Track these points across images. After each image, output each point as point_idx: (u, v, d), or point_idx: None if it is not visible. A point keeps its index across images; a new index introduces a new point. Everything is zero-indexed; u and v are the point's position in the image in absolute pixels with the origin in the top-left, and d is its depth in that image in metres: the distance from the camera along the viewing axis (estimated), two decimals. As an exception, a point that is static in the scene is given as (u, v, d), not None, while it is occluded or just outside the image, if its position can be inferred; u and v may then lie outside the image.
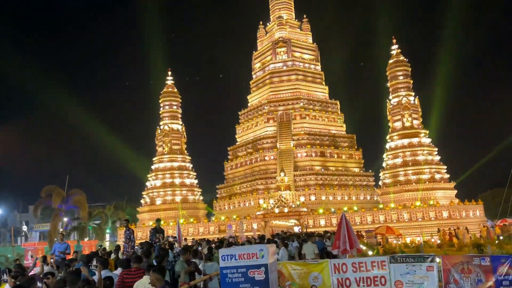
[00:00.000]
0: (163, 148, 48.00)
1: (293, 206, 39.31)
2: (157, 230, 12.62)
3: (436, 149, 41.95)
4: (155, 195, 45.71)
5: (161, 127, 48.81)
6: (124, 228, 12.60)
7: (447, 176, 40.82)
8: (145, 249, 8.74)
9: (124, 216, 47.45)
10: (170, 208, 44.72)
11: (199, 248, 10.57)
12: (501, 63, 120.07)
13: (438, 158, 41.58)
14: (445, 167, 41.27)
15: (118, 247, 12.39)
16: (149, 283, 5.20)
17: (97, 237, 46.04)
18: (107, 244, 45.36)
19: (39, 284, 7.15)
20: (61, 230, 37.55)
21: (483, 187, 77.00)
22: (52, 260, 11.09)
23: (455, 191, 40.48)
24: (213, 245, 12.12)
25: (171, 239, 13.03)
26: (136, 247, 11.76)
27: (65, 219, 46.10)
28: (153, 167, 47.84)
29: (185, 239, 21.11)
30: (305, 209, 39.21)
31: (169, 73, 50.78)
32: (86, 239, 43.49)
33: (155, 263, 6.97)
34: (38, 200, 42.82)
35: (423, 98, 44.49)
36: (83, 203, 41.93)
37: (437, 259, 9.91)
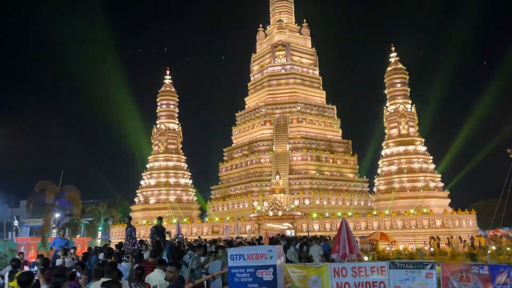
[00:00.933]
0: (159, 147, 47.90)
1: (287, 209, 39.31)
2: (158, 229, 12.50)
3: (431, 157, 42.19)
4: (149, 194, 45.55)
5: (158, 126, 48.72)
6: (126, 225, 12.52)
7: (441, 184, 41.07)
8: (156, 246, 8.72)
9: (117, 214, 47.28)
10: (163, 207, 44.57)
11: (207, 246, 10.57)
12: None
13: (433, 166, 41.83)
14: (440, 175, 41.53)
15: (121, 244, 12.30)
16: (163, 277, 5.20)
17: (89, 234, 45.77)
18: (98, 242, 45.13)
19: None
20: (59, 225, 37.27)
21: (476, 197, 77.68)
22: (72, 252, 11.03)
23: (449, 200, 40.73)
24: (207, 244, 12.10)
25: (180, 237, 12.96)
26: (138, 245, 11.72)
27: (57, 214, 45.79)
28: (148, 165, 47.71)
29: (186, 238, 21.02)
30: (299, 213, 39.24)
31: (167, 72, 50.80)
32: (78, 236, 43.18)
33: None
34: (31, 194, 42.51)
35: (420, 106, 44.75)
36: (77, 200, 41.69)
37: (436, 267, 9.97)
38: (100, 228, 49.55)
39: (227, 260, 6.27)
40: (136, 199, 46.78)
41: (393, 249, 30.98)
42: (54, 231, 39.53)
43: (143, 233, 39.88)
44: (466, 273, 9.86)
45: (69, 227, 44.92)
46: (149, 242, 13.49)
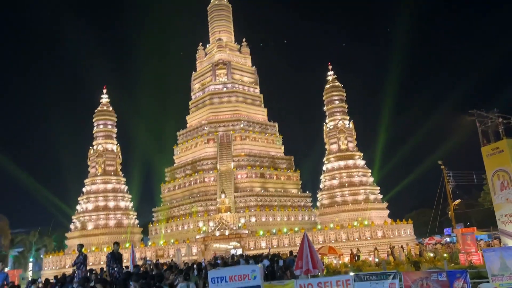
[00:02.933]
0: (96, 169, 45.49)
1: (234, 228, 38.87)
2: (115, 255, 11.53)
3: (370, 171, 44.00)
4: (87, 219, 42.88)
5: (94, 147, 46.37)
6: (78, 253, 11.47)
7: (380, 196, 42.85)
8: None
9: (50, 243, 43.92)
10: (103, 233, 42.13)
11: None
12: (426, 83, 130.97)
13: (372, 179, 43.59)
14: (378, 188, 43.37)
15: (64, 276, 11.21)
16: None
17: (19, 267, 41.91)
18: (29, 274, 41.53)
19: None
20: None
21: (409, 207, 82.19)
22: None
23: (388, 211, 42.54)
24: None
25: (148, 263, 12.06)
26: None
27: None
28: (84, 189, 45.02)
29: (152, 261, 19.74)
30: (246, 231, 38.94)
31: (104, 90, 48.75)
32: (6, 269, 39.35)
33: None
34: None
35: (357, 122, 46.67)
36: (5, 230, 38.17)
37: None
38: (31, 259, 45.63)
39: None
40: (72, 226, 43.78)
41: (340, 262, 31.56)
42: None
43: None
44: (426, 280, 10.16)
45: (-4, 260, 40.93)
46: (105, 270, 12.45)
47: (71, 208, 45.82)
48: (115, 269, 10.81)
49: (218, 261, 15.28)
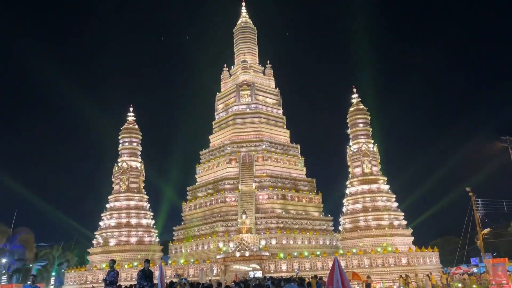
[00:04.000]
0: (120, 186, 46.13)
1: (255, 249, 38.49)
2: (146, 273, 11.55)
3: (394, 195, 43.16)
4: (109, 235, 43.27)
5: (119, 164, 47.12)
6: (109, 269, 11.51)
7: (404, 222, 41.86)
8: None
9: (72, 258, 44.32)
10: (124, 250, 42.40)
11: None
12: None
13: (396, 204, 42.71)
14: (403, 213, 42.40)
15: None
16: None
17: (41, 281, 42.30)
18: (51, 289, 41.92)
19: None
20: (9, 271, 34.19)
21: (433, 234, 79.92)
22: None
23: (412, 238, 41.46)
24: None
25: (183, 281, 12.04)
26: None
27: (4, 259, 42.22)
28: (108, 205, 45.60)
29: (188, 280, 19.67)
30: (267, 253, 38.49)
31: (131, 109, 49.84)
32: (29, 283, 39.73)
33: None
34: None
35: (382, 146, 46.14)
36: (30, 243, 38.75)
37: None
38: (53, 274, 46.06)
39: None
40: (94, 241, 44.24)
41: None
42: (4, 277, 36.24)
43: (102, 278, 37.47)
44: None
45: (20, 272, 41.38)
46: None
47: (94, 224, 46.31)
48: (146, 287, 10.80)
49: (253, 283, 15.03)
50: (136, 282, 12.08)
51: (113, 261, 11.91)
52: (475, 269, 48.63)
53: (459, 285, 28.57)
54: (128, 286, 12.16)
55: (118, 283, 11.66)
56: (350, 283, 30.33)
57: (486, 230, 38.17)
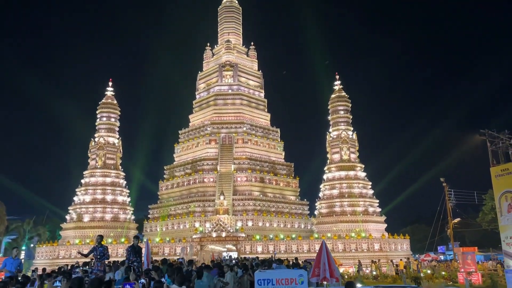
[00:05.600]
0: (96, 162, 45.25)
1: (231, 230, 38.65)
2: (135, 249, 11.35)
3: (370, 183, 43.97)
4: (83, 211, 42.58)
5: (96, 139, 46.14)
6: (96, 244, 11.25)
7: (379, 209, 42.80)
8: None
9: (44, 232, 43.49)
10: (98, 226, 41.82)
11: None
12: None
13: (371, 192, 43.55)
14: (378, 201, 43.31)
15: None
16: None
17: (10, 253, 41.38)
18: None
19: None
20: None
21: (403, 222, 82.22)
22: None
23: (385, 225, 42.49)
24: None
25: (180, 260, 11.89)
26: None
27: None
28: (83, 181, 44.76)
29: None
30: (243, 235, 38.72)
31: (110, 83, 48.59)
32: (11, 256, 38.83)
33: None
34: None
35: (361, 132, 46.69)
36: (2, 215, 37.72)
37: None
38: (23, 248, 45.09)
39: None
40: (68, 217, 43.43)
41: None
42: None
43: (74, 254, 36.99)
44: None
45: (-12, 245, 40.48)
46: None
47: (65, 201, 45.46)
48: (135, 262, 10.65)
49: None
50: (125, 258, 11.91)
51: (101, 237, 11.67)
52: (441, 257, 50.51)
53: (429, 271, 29.53)
54: (122, 261, 11.95)
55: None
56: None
57: (457, 220, 39.45)
